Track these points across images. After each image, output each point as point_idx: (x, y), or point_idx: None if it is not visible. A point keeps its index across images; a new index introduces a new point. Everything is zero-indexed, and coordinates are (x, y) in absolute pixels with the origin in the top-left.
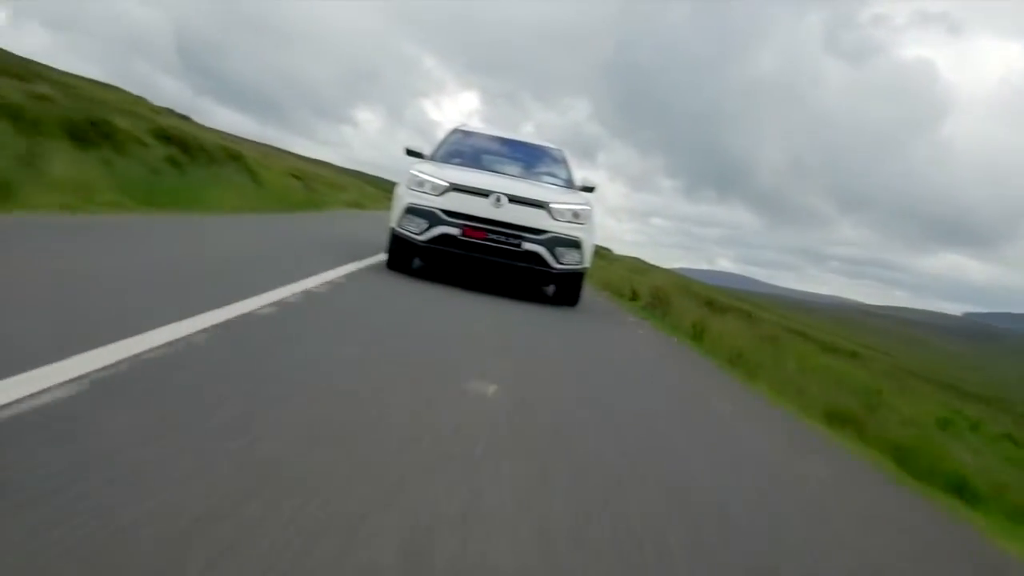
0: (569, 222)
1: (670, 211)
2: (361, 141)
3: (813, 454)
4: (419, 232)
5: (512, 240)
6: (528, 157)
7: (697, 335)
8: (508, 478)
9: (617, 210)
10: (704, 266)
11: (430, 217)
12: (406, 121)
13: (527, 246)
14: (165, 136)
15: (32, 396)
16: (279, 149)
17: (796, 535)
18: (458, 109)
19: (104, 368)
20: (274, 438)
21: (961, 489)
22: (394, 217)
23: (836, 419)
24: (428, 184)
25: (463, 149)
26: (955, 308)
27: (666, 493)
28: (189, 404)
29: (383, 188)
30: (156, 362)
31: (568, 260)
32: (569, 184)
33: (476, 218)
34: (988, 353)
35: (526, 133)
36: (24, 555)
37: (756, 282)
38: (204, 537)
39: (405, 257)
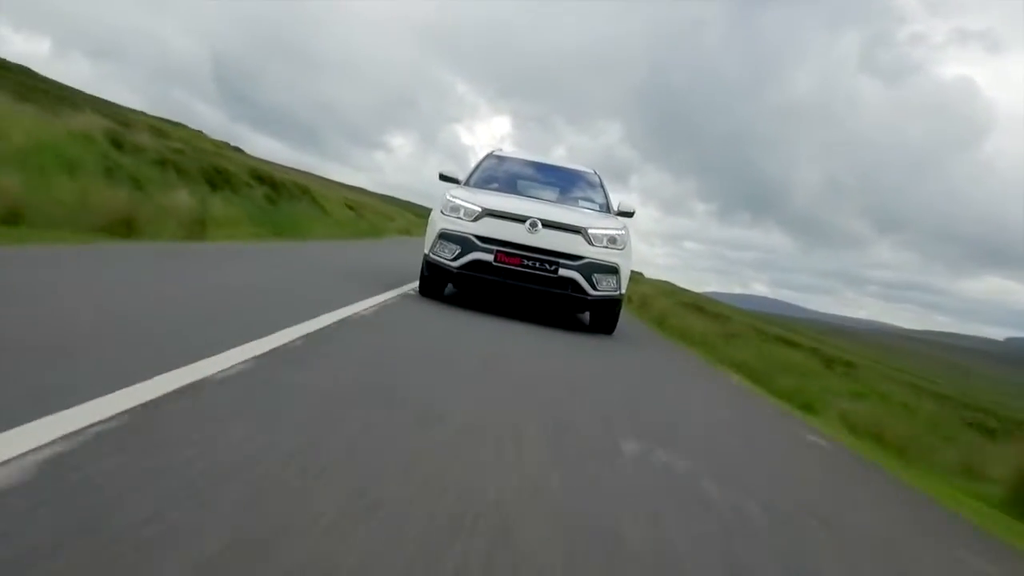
0: (606, 247)
1: (703, 235)
2: (394, 166)
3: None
4: (452, 258)
5: (548, 266)
6: (563, 181)
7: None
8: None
9: (650, 234)
10: (738, 290)
11: (464, 243)
12: (439, 146)
13: (563, 272)
14: (259, 177)
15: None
16: (315, 175)
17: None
18: (490, 133)
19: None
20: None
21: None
22: (427, 243)
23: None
24: (462, 209)
25: (497, 174)
26: (998, 333)
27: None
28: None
29: (422, 215)
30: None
31: (605, 286)
32: (605, 208)
33: (511, 244)
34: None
35: (561, 157)
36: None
37: (791, 306)
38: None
39: (438, 283)
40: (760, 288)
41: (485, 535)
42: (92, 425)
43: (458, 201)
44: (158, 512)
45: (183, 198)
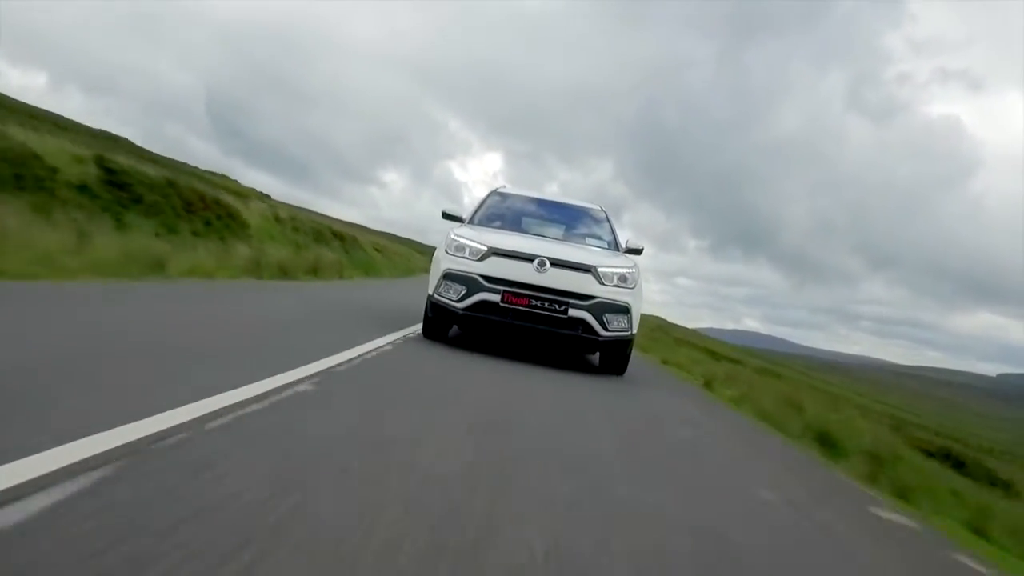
0: (616, 286)
1: (696, 271)
2: (387, 202)
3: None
4: (458, 299)
5: (557, 306)
6: (569, 219)
7: None
8: None
9: (643, 271)
10: (730, 326)
11: (469, 283)
12: (432, 182)
13: (573, 312)
14: (333, 232)
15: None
16: (312, 211)
17: None
18: (483, 170)
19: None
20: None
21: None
22: (431, 283)
23: None
24: (467, 248)
25: (502, 212)
26: (990, 368)
27: None
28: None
29: (426, 253)
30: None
31: (616, 327)
32: (613, 246)
33: (518, 283)
34: (1021, 413)
35: (566, 193)
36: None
37: (784, 342)
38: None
39: (442, 325)
40: (752, 324)
41: None
42: None
43: (463, 240)
44: None
45: (327, 254)
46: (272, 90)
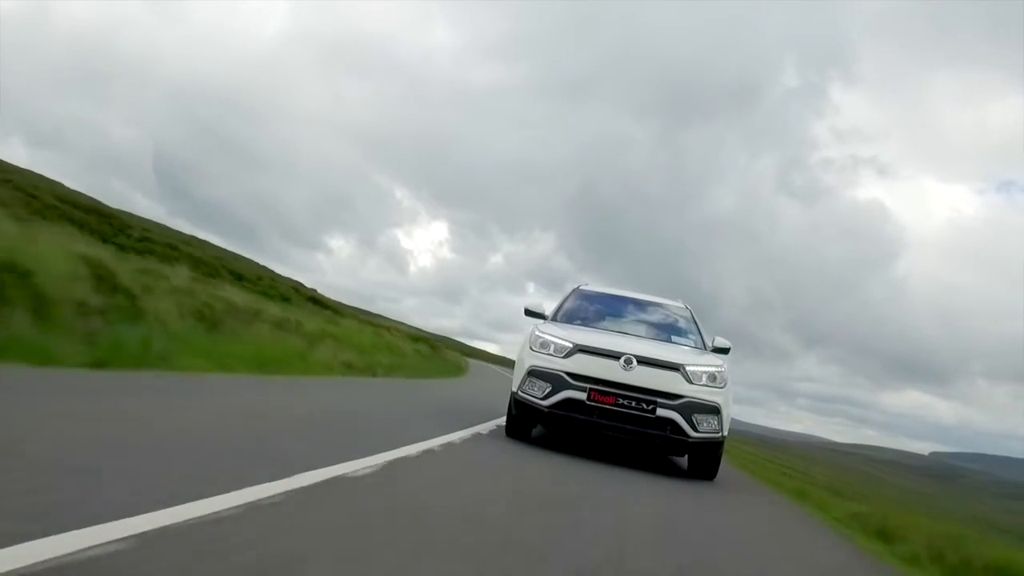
0: (706, 386)
1: None
2: (333, 268)
3: None
4: (543, 396)
5: (645, 405)
6: (653, 315)
7: None
8: None
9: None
10: None
11: (555, 380)
12: (378, 249)
13: (661, 412)
14: (416, 338)
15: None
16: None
17: None
18: (429, 239)
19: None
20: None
21: None
22: (515, 380)
23: None
24: (552, 345)
25: (585, 309)
26: (923, 447)
27: None
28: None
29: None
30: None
31: (706, 428)
32: (700, 344)
33: (605, 381)
34: (946, 493)
35: (648, 290)
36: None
37: None
38: None
39: (526, 423)
40: None
41: None
42: None
43: (548, 337)
44: None
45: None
46: (219, 151)
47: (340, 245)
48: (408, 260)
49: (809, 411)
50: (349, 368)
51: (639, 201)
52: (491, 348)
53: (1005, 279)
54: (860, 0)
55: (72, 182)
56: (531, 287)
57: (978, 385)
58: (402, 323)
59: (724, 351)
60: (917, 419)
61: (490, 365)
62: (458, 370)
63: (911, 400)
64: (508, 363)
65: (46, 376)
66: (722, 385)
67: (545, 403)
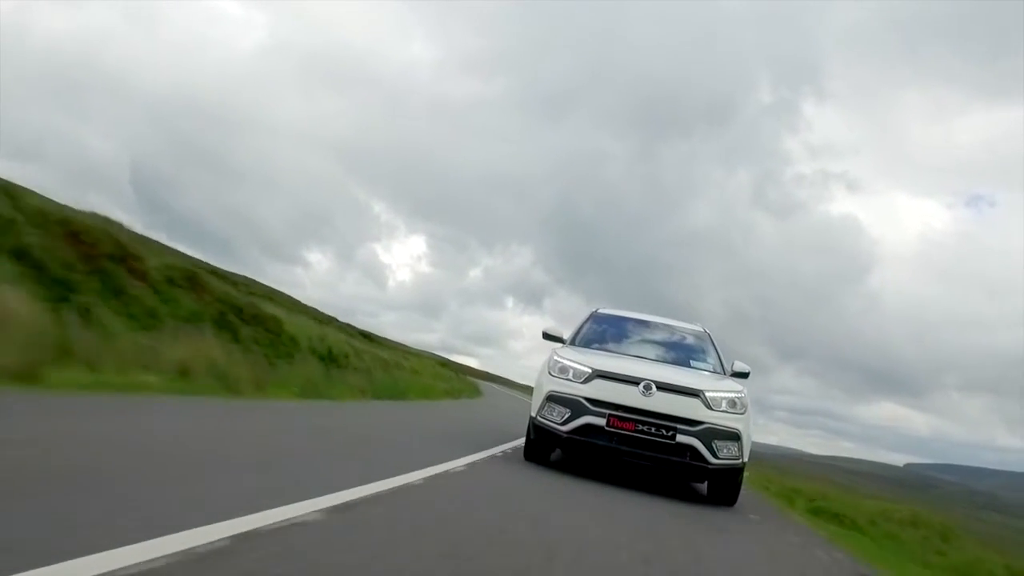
0: (726, 412)
1: None
2: (312, 281)
3: None
4: (562, 421)
5: (664, 431)
6: (672, 340)
7: None
8: None
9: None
10: None
11: (574, 406)
12: (356, 263)
13: (681, 438)
14: (443, 364)
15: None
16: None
17: None
18: (407, 253)
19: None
20: None
21: None
22: (534, 405)
23: None
24: (571, 371)
25: (604, 333)
26: (898, 459)
27: None
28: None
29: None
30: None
31: (726, 454)
32: (719, 368)
33: (624, 407)
34: (920, 503)
35: (667, 314)
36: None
37: None
38: None
39: (545, 448)
40: None
41: None
42: None
43: (566, 362)
44: None
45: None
46: (197, 164)
47: (318, 259)
48: (387, 274)
49: (786, 423)
50: (447, 394)
51: (616, 215)
52: (471, 362)
53: (977, 292)
54: (832, 16)
55: (52, 197)
56: (510, 301)
57: (952, 397)
58: (425, 351)
59: (744, 375)
60: (892, 431)
61: (480, 382)
62: (476, 391)
63: (886, 412)
64: (492, 378)
65: None
66: (742, 411)
67: (564, 428)
